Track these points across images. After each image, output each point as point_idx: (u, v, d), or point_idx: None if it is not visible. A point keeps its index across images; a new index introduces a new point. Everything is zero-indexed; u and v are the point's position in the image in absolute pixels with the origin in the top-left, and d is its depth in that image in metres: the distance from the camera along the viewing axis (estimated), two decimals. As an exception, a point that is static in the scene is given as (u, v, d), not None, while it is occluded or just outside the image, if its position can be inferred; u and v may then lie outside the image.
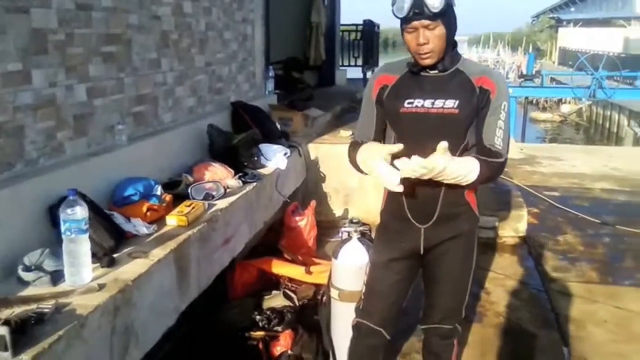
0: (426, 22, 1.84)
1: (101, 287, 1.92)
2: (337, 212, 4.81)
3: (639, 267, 4.21)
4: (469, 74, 1.98)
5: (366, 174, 2.05)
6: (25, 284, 1.91)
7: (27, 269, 1.93)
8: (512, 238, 4.69)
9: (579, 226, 5.09)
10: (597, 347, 3.11)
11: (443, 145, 1.77)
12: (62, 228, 1.88)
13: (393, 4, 1.89)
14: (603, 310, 3.53)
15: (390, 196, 2.15)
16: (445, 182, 1.88)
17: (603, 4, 35.23)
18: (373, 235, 2.50)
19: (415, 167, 1.77)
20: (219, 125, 3.71)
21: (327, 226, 4.43)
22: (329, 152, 4.82)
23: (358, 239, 2.56)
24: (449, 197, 2.04)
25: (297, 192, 4.49)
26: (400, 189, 1.87)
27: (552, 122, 20.71)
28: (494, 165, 1.94)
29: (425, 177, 1.81)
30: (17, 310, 1.71)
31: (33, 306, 1.74)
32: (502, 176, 5.68)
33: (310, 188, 4.77)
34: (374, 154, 1.95)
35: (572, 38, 31.21)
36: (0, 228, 1.97)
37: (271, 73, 5.43)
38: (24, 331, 1.58)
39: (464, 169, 1.85)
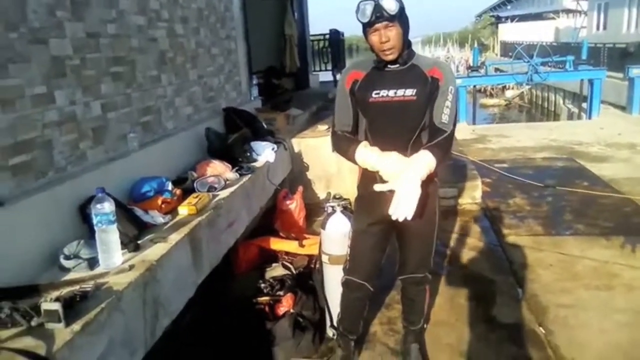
0: (386, 23, 1.95)
1: (131, 267, 1.99)
2: (321, 195, 4.89)
3: (577, 219, 4.36)
4: (422, 67, 2.08)
5: (357, 163, 2.15)
6: (66, 270, 1.98)
7: (67, 257, 2.00)
8: (470, 204, 4.82)
9: (525, 190, 5.23)
10: (546, 286, 3.25)
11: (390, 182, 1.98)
12: (95, 221, 1.95)
13: (357, 12, 1.99)
14: (549, 256, 3.67)
15: (364, 173, 2.23)
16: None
17: (535, 1, 35.47)
18: (352, 208, 2.59)
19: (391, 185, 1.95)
20: (215, 128, 3.76)
21: (314, 207, 4.50)
22: (310, 145, 4.89)
23: (341, 211, 2.63)
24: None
25: (285, 180, 4.56)
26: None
27: (499, 106, 20.87)
28: (441, 143, 2.03)
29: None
30: (64, 291, 1.77)
31: (76, 287, 1.80)
32: (458, 154, 5.84)
33: (297, 176, 4.84)
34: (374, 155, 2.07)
35: (510, 32, 31.40)
36: (42, 225, 2.04)
37: (254, 81, 5.47)
38: (72, 306, 1.65)
39: (425, 164, 1.97)
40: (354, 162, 2.14)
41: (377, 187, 2.00)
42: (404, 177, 1.94)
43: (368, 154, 2.07)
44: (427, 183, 2.20)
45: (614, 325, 2.79)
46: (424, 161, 1.98)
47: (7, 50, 2.02)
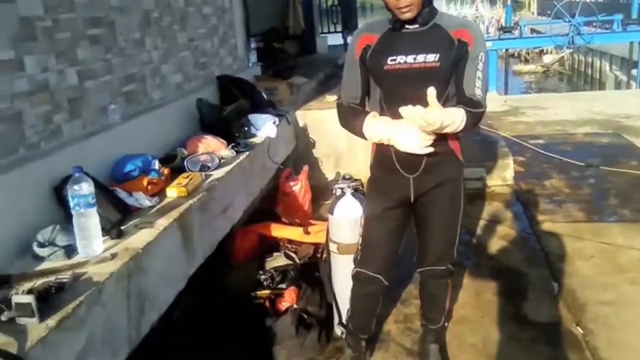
0: None
1: (113, 256, 2.02)
2: (329, 175, 4.89)
3: (623, 204, 4.34)
4: (446, 28, 2.04)
5: (365, 138, 2.12)
6: (40, 259, 2.00)
7: (41, 245, 2.02)
8: (500, 187, 4.80)
9: (564, 170, 5.20)
10: (585, 279, 3.25)
11: (432, 94, 1.82)
12: (71, 203, 1.97)
13: None
14: (590, 246, 3.66)
15: (379, 151, 2.23)
16: (438, 132, 1.94)
17: (578, -50, 34.96)
18: (365, 190, 2.60)
19: (417, 118, 1.84)
20: (208, 99, 3.76)
21: (321, 190, 4.50)
22: (316, 118, 4.87)
23: (351, 194, 2.63)
24: (434, 147, 2.14)
25: (288, 159, 4.57)
26: (428, 150, 1.99)
27: (536, 73, 20.73)
28: (476, 114, 2.01)
29: (424, 129, 1.90)
30: (38, 282, 1.78)
31: (51, 278, 1.82)
32: (487, 128, 5.81)
33: (302, 154, 4.84)
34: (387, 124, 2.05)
35: (549, -13, 31.05)
36: (12, 209, 2.05)
37: (253, 45, 5.45)
38: (47, 300, 1.66)
39: (456, 120, 1.92)
40: (362, 136, 2.11)
41: (403, 110, 1.88)
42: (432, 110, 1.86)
43: (378, 125, 2.06)
44: (449, 163, 2.21)
45: (662, 325, 2.79)
46: (455, 112, 1.93)
47: (-32, 9, 2.02)
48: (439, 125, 1.86)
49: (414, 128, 1.96)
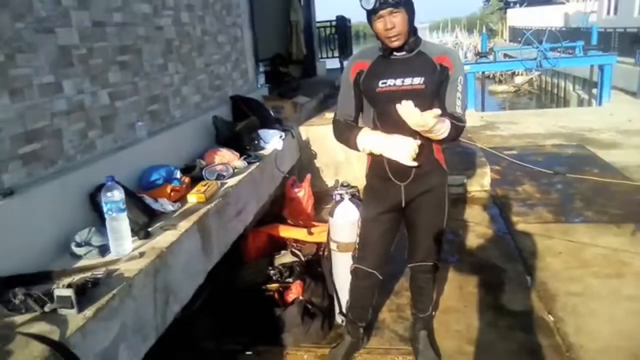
0: (390, 9, 1.93)
1: (142, 254, 2.02)
2: (329, 182, 4.89)
3: (587, 206, 4.35)
4: (430, 54, 2.06)
5: (358, 150, 2.12)
6: (78, 257, 2.01)
7: (79, 245, 2.03)
8: (479, 192, 4.81)
9: (535, 177, 5.21)
10: (555, 273, 3.25)
11: (436, 112, 1.83)
12: (105, 209, 1.98)
13: None
14: (558, 244, 3.66)
15: (374, 161, 2.24)
16: (425, 135, 1.94)
17: (544, -15, 35.06)
18: (361, 195, 2.60)
19: (412, 119, 1.83)
20: (222, 117, 3.77)
21: (322, 195, 4.51)
22: (317, 132, 4.88)
23: (349, 199, 2.63)
24: (422, 158, 2.15)
25: (293, 168, 4.57)
26: (414, 163, 2.00)
27: (508, 92, 20.72)
28: (458, 127, 2.01)
29: (416, 128, 1.88)
30: (76, 277, 1.79)
31: (88, 274, 1.83)
32: (467, 141, 5.82)
33: (305, 164, 4.85)
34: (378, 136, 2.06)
35: (519, 17, 31.10)
36: (53, 214, 2.07)
37: (261, 69, 5.47)
38: (84, 293, 1.68)
39: (443, 127, 1.92)
40: (356, 147, 2.10)
41: (401, 106, 1.86)
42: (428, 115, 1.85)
43: (370, 138, 2.06)
44: (435, 172, 2.22)
45: (623, 314, 2.79)
46: (444, 122, 1.93)
47: (15, 40, 2.04)
48: (431, 125, 1.84)
49: (403, 140, 1.98)
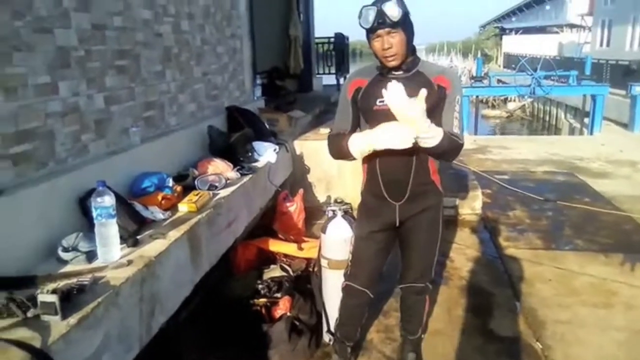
0: (388, 29, 1.94)
1: (129, 262, 1.98)
2: (321, 198, 4.87)
3: (576, 234, 4.36)
4: (427, 74, 2.06)
5: (353, 158, 2.09)
6: (64, 262, 1.96)
7: (65, 250, 1.99)
8: (470, 215, 4.80)
9: (525, 203, 5.23)
10: (544, 300, 3.24)
11: (423, 93, 1.83)
12: (94, 214, 1.94)
13: (359, 17, 1.97)
14: (548, 270, 3.66)
15: (369, 179, 2.23)
16: (416, 139, 1.90)
17: (539, 14, 35.65)
18: (354, 212, 2.58)
19: (398, 103, 1.83)
20: (217, 127, 3.75)
21: (313, 210, 4.47)
22: (311, 147, 4.87)
23: (342, 215, 2.62)
24: (418, 178, 2.14)
25: (286, 182, 4.55)
26: (410, 143, 1.90)
27: (501, 117, 20.91)
28: (454, 141, 1.99)
29: (402, 113, 1.85)
30: (61, 283, 1.75)
31: (73, 280, 1.79)
32: (459, 163, 5.85)
33: (297, 178, 4.82)
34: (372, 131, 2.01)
35: (514, 44, 31.54)
36: (41, 216, 2.02)
37: (258, 81, 5.45)
38: (69, 299, 1.63)
39: (432, 130, 1.90)
40: (349, 153, 2.07)
41: (386, 91, 1.86)
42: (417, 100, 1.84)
43: (359, 137, 2.05)
44: (431, 193, 2.21)
45: (611, 343, 2.78)
46: (434, 126, 1.92)
47: (12, 38, 2.01)
48: (419, 112, 1.83)
49: (390, 124, 1.93)
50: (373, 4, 1.95)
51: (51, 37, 2.23)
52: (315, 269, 2.89)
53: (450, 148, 2.00)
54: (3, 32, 1.96)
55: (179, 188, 2.78)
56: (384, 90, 1.86)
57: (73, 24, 2.37)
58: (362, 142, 2.03)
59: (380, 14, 1.91)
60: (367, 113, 2.12)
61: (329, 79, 9.58)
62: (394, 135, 1.92)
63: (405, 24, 1.96)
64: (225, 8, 4.42)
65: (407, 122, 1.88)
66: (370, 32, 1.97)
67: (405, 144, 1.91)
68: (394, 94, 1.84)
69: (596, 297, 3.27)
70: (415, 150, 2.00)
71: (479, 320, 3.03)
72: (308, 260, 3.32)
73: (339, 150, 2.14)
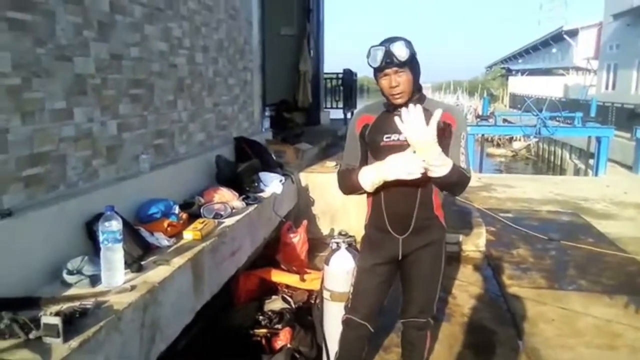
0: (396, 68, 1.98)
1: (133, 288, 1.99)
2: (325, 230, 4.87)
3: (580, 275, 4.31)
4: (433, 111, 2.11)
5: (364, 192, 2.12)
6: (68, 285, 1.97)
7: (70, 272, 2.00)
8: (474, 252, 4.76)
9: (529, 242, 5.20)
10: (547, 340, 3.19)
11: (438, 113, 1.87)
12: (101, 238, 1.96)
13: (368, 57, 2.02)
14: (551, 310, 3.61)
15: (374, 212, 2.23)
16: (426, 169, 1.92)
17: (546, 56, 36.09)
18: (357, 245, 2.58)
19: (416, 119, 1.86)
20: (225, 156, 3.80)
21: (316, 242, 4.47)
22: (317, 180, 4.90)
23: (346, 248, 2.62)
24: (421, 213, 2.15)
25: (290, 213, 4.56)
26: (419, 173, 1.92)
27: (506, 156, 20.96)
28: (462, 174, 2.02)
29: (417, 136, 1.88)
30: (64, 306, 1.76)
31: (77, 303, 1.79)
32: (463, 200, 5.84)
33: (302, 210, 4.83)
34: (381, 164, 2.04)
35: (520, 85, 31.81)
36: (48, 238, 2.04)
37: (267, 113, 5.55)
38: (71, 322, 1.64)
39: (442, 158, 1.93)
40: (359, 187, 2.10)
41: (405, 112, 1.88)
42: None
43: (369, 169, 2.07)
44: (434, 227, 2.21)
45: (615, 387, 2.73)
46: (444, 156, 1.94)
47: (33, 64, 2.07)
48: (428, 142, 1.87)
49: (399, 155, 1.96)
50: (381, 44, 2.00)
51: (70, 65, 2.30)
52: (317, 301, 2.87)
53: (458, 180, 2.02)
54: (25, 59, 2.02)
55: (184, 215, 2.80)
56: (403, 109, 1.88)
57: (92, 52, 2.45)
58: (373, 174, 2.05)
59: (388, 54, 1.97)
60: (375, 148, 2.15)
61: (337, 113, 9.68)
62: (404, 165, 1.95)
63: (412, 64, 2.01)
64: (239, 42, 4.53)
65: (419, 147, 1.91)
66: (378, 70, 2.02)
67: (415, 173, 1.93)
68: (412, 116, 1.87)
69: (600, 339, 3.22)
70: (421, 183, 2.03)
71: (480, 358, 2.98)
72: (310, 292, 3.30)
73: (349, 185, 2.16)
